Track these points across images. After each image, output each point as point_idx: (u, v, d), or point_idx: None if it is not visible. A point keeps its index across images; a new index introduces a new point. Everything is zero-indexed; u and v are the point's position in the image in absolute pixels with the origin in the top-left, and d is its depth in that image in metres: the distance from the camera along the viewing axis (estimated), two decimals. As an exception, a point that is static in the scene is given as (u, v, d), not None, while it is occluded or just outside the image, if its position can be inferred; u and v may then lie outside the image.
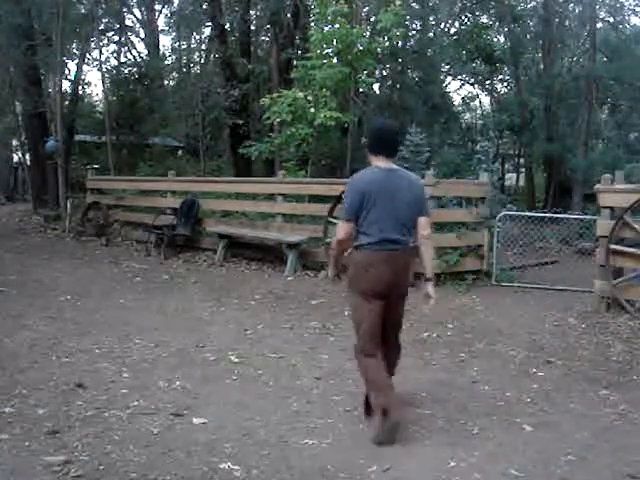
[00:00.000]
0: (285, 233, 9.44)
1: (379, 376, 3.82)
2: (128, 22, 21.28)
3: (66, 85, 17.24)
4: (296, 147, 11.01)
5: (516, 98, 20.09)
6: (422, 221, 3.92)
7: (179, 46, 24.98)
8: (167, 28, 23.65)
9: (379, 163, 3.93)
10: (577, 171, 16.99)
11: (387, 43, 15.25)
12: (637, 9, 21.51)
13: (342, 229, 3.89)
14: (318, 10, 10.81)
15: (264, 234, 9.70)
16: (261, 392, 4.41)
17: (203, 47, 23.44)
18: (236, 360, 5.07)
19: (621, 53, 18.68)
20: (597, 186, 7.05)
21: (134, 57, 22.24)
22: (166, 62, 23.72)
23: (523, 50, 20.31)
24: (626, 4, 20.40)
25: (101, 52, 17.49)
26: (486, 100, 27.61)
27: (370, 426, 3.79)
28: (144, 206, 12.27)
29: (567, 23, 21.03)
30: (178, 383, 4.49)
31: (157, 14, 23.54)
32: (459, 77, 23.85)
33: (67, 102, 16.90)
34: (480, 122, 25.55)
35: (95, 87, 37.97)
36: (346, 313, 6.76)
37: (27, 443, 3.45)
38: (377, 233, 3.79)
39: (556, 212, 10.18)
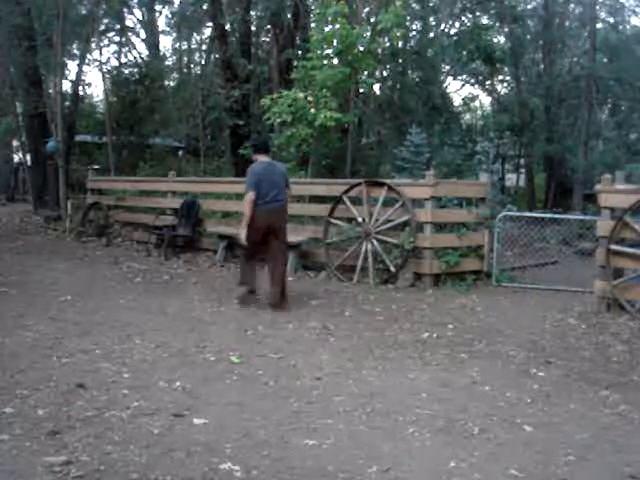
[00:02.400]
0: (285, 233, 9.44)
1: (246, 270, 7.05)
2: (129, 23, 21.37)
3: (66, 86, 17.28)
4: (296, 147, 11.01)
5: (516, 98, 20.09)
6: (287, 190, 7.04)
7: (179, 47, 25.07)
8: (168, 29, 23.75)
9: (262, 158, 6.96)
10: (577, 171, 17.00)
11: (387, 44, 15.28)
12: (637, 9, 21.49)
13: (250, 197, 6.69)
14: (318, 10, 10.79)
15: (264, 234, 9.69)
16: (261, 392, 4.41)
17: (203, 48, 23.51)
18: (236, 360, 5.07)
19: (621, 53, 18.69)
20: (597, 186, 7.06)
21: (135, 58, 22.32)
22: (167, 63, 23.79)
23: (523, 50, 20.31)
24: (626, 4, 20.45)
25: (101, 53, 17.61)
26: (486, 100, 27.62)
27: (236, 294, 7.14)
28: (144, 207, 12.26)
29: (567, 23, 21.06)
30: (178, 383, 4.49)
31: (158, 15, 23.61)
32: (459, 77, 23.83)
33: (67, 103, 16.91)
34: (480, 122, 25.51)
35: (96, 88, 38.08)
36: (347, 313, 6.79)
37: (27, 443, 3.45)
38: (266, 197, 6.72)
39: (556, 212, 10.18)
